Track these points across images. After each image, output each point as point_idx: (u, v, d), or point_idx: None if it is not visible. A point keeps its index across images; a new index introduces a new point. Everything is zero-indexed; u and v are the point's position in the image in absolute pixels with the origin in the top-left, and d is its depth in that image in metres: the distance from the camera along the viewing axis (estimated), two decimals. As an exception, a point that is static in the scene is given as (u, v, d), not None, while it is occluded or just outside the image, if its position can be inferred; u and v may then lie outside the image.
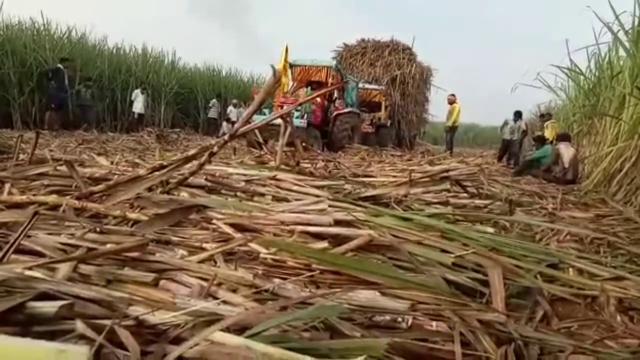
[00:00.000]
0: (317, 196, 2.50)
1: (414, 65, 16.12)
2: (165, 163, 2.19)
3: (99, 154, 4.93)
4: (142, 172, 2.23)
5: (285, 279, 1.42)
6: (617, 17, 6.34)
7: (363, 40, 17.06)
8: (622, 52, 6.82)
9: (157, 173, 2.30)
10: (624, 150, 5.43)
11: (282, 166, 3.55)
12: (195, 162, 2.38)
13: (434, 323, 1.24)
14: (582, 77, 8.72)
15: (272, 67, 2.04)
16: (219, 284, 1.31)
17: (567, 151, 7.06)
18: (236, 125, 2.11)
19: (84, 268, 1.28)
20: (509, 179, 6.45)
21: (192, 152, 2.27)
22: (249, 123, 2.44)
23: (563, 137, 7.66)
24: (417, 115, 16.93)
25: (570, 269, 1.85)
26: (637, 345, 1.33)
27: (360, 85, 14.37)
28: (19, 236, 1.25)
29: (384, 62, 16.00)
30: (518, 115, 11.54)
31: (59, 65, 10.99)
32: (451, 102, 12.84)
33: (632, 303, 1.56)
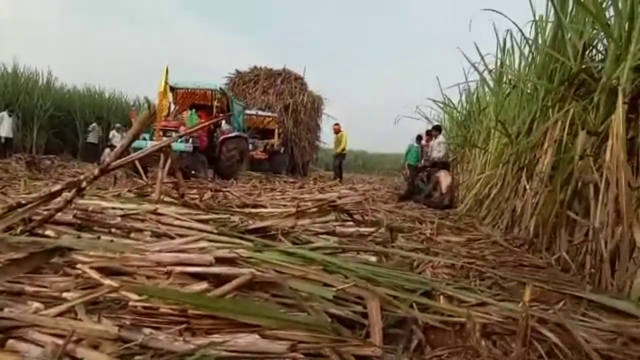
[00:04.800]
0: (201, 231, 2.40)
1: (306, 94, 16.60)
2: (24, 202, 1.96)
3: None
4: (-3, 210, 1.97)
5: (157, 328, 1.32)
6: (482, 57, 7.14)
7: (255, 67, 17.22)
8: (487, 89, 7.66)
9: (19, 210, 2.06)
10: (490, 178, 6.02)
11: (166, 198, 3.38)
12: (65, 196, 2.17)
13: (311, 363, 1.23)
14: (454, 111, 9.58)
15: (147, 99, 1.95)
16: (79, 340, 1.18)
17: (445, 179, 7.66)
18: (107, 160, 1.96)
19: None
20: (393, 204, 6.84)
21: (57, 187, 2.06)
22: (125, 154, 2.30)
23: (443, 165, 8.30)
24: (310, 142, 17.40)
25: (442, 297, 1.97)
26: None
27: (254, 112, 14.43)
28: None
29: (276, 90, 16.27)
30: (438, 129, 9.15)
31: None
32: (336, 131, 13.29)
33: (494, 328, 1.70)
